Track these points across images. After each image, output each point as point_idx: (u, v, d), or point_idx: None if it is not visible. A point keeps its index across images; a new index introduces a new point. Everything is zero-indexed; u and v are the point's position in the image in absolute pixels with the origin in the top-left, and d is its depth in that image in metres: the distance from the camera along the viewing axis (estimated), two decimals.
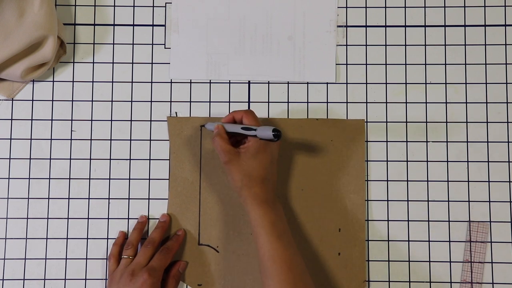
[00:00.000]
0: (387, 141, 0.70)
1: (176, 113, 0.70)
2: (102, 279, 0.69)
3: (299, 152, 0.70)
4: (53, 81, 0.71)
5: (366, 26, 0.72)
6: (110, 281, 0.65)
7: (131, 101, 0.71)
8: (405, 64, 0.71)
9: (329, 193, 0.69)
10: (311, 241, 0.69)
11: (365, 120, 0.71)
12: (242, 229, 0.69)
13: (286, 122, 0.70)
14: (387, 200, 0.70)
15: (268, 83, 0.71)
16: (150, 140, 0.70)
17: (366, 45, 0.72)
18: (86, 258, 0.69)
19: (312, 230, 0.69)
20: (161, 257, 0.65)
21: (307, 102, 0.71)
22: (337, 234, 0.69)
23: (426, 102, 0.71)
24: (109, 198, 0.70)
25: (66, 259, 0.69)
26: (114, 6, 0.72)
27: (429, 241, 0.69)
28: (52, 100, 0.71)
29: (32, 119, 0.71)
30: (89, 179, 0.70)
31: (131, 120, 0.71)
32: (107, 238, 0.69)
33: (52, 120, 0.71)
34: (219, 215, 0.69)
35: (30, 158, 0.70)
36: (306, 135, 0.70)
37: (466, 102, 0.71)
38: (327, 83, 0.71)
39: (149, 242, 0.66)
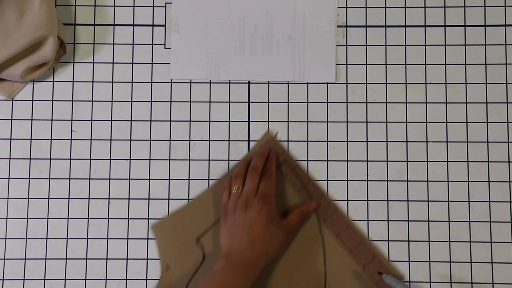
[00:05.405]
0: (387, 141, 0.70)
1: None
2: (102, 279, 0.69)
3: None
4: (53, 81, 0.71)
5: (366, 26, 0.72)
6: (224, 214, 0.63)
7: (131, 101, 0.71)
8: (405, 64, 0.71)
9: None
10: None
11: (365, 120, 0.71)
12: None
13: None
14: (387, 200, 0.70)
15: (268, 83, 0.71)
16: (150, 140, 0.71)
17: (366, 45, 0.72)
18: (86, 258, 0.69)
19: None
20: (268, 182, 0.63)
21: (307, 102, 0.71)
22: None
23: (426, 102, 0.71)
24: (109, 198, 0.70)
25: (66, 259, 0.69)
26: (114, 6, 0.72)
27: (429, 241, 0.69)
28: (52, 100, 0.71)
29: (32, 119, 0.71)
30: (89, 179, 0.70)
31: (131, 120, 0.71)
32: (107, 238, 0.69)
33: (52, 120, 0.71)
34: None
35: (30, 158, 0.70)
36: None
37: (466, 102, 0.71)
38: (327, 83, 0.71)
39: (253, 169, 0.64)
